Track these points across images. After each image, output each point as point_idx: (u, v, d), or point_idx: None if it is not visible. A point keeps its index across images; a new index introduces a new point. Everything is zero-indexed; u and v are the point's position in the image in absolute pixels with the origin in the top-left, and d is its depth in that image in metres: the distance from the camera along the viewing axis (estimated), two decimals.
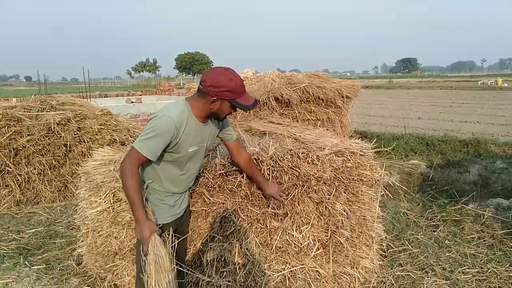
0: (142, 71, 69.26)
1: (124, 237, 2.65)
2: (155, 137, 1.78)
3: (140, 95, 12.06)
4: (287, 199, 2.42)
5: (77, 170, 4.34)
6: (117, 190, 2.67)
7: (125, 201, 2.64)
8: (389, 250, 3.17)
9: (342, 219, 2.69)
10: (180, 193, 2.09)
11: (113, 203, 2.67)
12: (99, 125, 5.18)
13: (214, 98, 1.82)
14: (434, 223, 3.76)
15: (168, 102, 2.01)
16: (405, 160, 6.25)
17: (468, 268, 2.92)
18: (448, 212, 3.88)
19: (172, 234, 2.00)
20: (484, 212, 3.78)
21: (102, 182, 2.77)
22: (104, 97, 11.69)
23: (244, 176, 2.38)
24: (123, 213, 2.64)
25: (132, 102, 8.88)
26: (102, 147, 4.09)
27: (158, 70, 67.71)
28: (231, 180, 2.40)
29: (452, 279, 2.79)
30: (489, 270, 2.88)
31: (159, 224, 1.96)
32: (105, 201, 2.69)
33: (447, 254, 3.16)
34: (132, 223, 2.64)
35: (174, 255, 1.95)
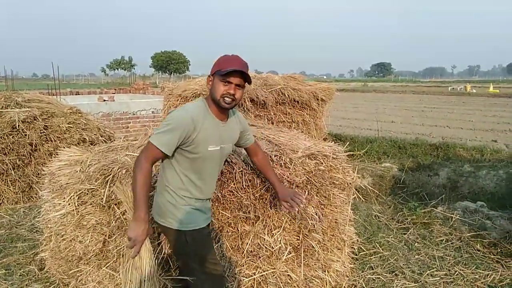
0: (117, 69, 67.83)
1: (89, 242, 2.55)
2: (171, 131, 1.72)
3: (114, 93, 11.77)
4: (302, 201, 2.22)
5: (43, 170, 4.16)
6: (83, 192, 2.57)
7: (90, 204, 2.54)
8: (360, 253, 3.18)
9: (313, 223, 2.68)
10: (203, 200, 1.98)
11: (78, 205, 2.57)
12: (68, 124, 4.99)
13: (209, 75, 1.85)
14: (404, 226, 3.81)
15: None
16: (377, 163, 6.35)
17: (436, 271, 2.97)
18: (418, 215, 3.95)
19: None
20: (452, 215, 3.87)
21: (67, 183, 2.66)
22: (76, 94, 11.35)
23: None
24: (88, 216, 2.54)
25: (105, 100, 8.65)
26: (70, 146, 3.94)
27: (134, 68, 66.55)
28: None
29: (420, 281, 2.83)
30: (456, 273, 2.94)
31: (196, 228, 1.89)
32: (69, 204, 2.58)
33: (416, 256, 3.21)
34: (98, 226, 2.54)
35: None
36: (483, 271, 2.95)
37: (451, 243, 3.45)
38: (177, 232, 1.87)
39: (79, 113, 5.28)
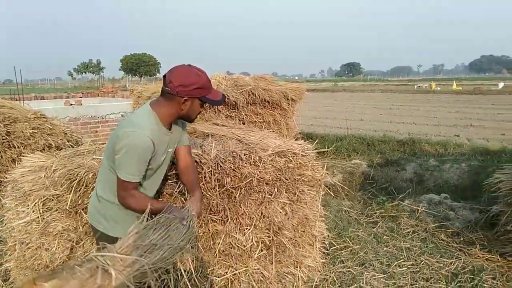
0: (85, 72, 66.05)
1: (56, 249, 2.48)
2: (137, 160, 1.68)
3: (81, 97, 11.45)
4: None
5: (5, 177, 4.00)
6: (48, 198, 2.50)
7: (56, 210, 2.48)
8: (331, 248, 3.25)
9: (284, 219, 2.73)
10: None
11: (43, 212, 2.49)
12: (32, 129, 4.82)
13: (185, 98, 1.72)
14: (373, 220, 3.93)
15: (135, 111, 1.85)
16: (347, 160, 6.49)
17: (403, 261, 3.08)
18: (386, 209, 4.07)
19: None
20: (418, 208, 4.02)
21: (31, 190, 2.57)
22: (41, 99, 10.97)
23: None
24: (53, 223, 2.47)
25: (71, 104, 8.41)
26: (34, 152, 3.82)
27: (102, 72, 64.99)
28: (171, 184, 2.33)
29: (389, 272, 2.92)
30: (422, 262, 3.06)
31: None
32: (33, 211, 2.50)
33: (385, 249, 3.31)
34: (65, 233, 2.49)
35: None
36: (447, 260, 3.08)
37: (417, 235, 3.58)
38: (114, 239, 1.80)
39: (43, 118, 5.11)
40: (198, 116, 1.90)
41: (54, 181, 2.50)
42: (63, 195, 2.46)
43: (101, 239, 1.79)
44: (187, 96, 1.71)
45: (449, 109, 15.11)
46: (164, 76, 1.76)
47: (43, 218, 2.49)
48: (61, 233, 2.47)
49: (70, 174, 2.41)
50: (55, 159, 2.88)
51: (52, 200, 2.50)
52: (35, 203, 2.49)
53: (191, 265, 2.39)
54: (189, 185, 2.07)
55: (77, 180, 2.36)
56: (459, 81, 44.19)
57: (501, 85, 29.85)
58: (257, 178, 2.54)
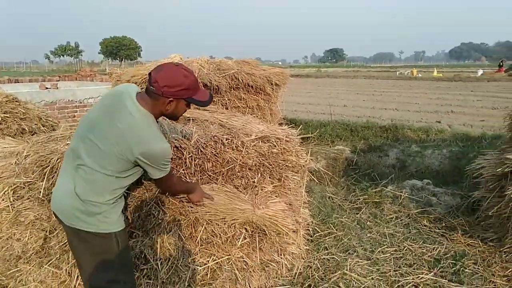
0: (63, 55, 64.03)
1: (28, 239, 2.36)
2: (170, 160, 1.80)
3: (58, 80, 11.05)
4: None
5: None
6: (18, 186, 2.36)
7: (28, 198, 2.36)
8: (315, 235, 3.22)
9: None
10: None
11: (13, 201, 2.37)
12: (3, 113, 4.58)
13: (170, 99, 1.69)
14: (357, 206, 3.92)
15: (134, 119, 1.70)
16: (331, 146, 6.47)
17: (387, 247, 3.08)
18: (369, 195, 4.07)
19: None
20: (401, 193, 4.03)
21: (0, 177, 2.43)
22: (15, 82, 10.54)
23: None
24: (25, 211, 2.35)
25: (47, 88, 8.07)
26: (8, 137, 3.63)
27: (81, 55, 63.16)
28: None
29: (372, 258, 2.91)
30: (405, 248, 3.06)
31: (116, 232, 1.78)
32: (3, 199, 2.37)
33: (368, 235, 3.30)
34: (37, 222, 2.37)
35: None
36: (429, 245, 3.09)
37: (400, 220, 3.59)
38: (105, 235, 1.75)
39: (16, 101, 4.87)
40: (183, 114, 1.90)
41: (25, 168, 2.36)
42: (35, 183, 2.33)
43: (90, 239, 1.73)
44: (172, 97, 1.69)
45: (430, 96, 15.27)
46: (150, 74, 1.71)
47: (14, 207, 2.36)
48: (34, 222, 2.35)
49: (42, 161, 2.29)
50: (26, 144, 2.73)
51: (23, 188, 2.37)
52: (5, 191, 2.36)
53: (172, 253, 2.31)
54: None
55: (49, 167, 2.23)
56: (439, 68, 44.80)
57: (480, 72, 30.38)
58: (239, 164, 2.46)
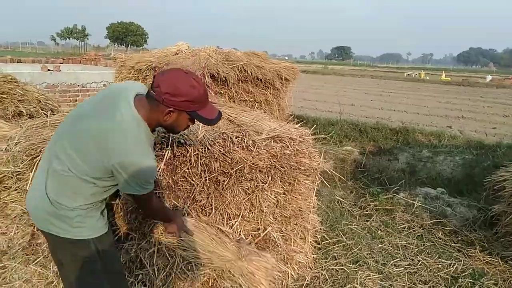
0: (69, 38, 63.65)
1: (14, 234, 2.16)
2: (151, 182, 1.53)
3: (61, 63, 10.82)
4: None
5: None
6: (6, 175, 2.16)
7: (15, 190, 2.15)
8: (323, 242, 3.02)
9: (276, 211, 2.47)
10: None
11: (0, 191, 2.15)
12: (1, 94, 4.37)
13: (170, 109, 1.46)
14: (367, 213, 3.71)
15: (125, 117, 1.44)
16: (339, 146, 6.25)
17: (399, 261, 2.88)
18: (380, 201, 3.86)
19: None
20: (414, 202, 3.82)
21: None
22: (17, 62, 10.32)
23: (166, 163, 2.02)
24: (12, 204, 2.14)
25: (49, 70, 7.85)
26: (5, 120, 3.43)
27: (87, 39, 62.85)
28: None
29: (384, 272, 2.71)
30: (420, 262, 2.86)
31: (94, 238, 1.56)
32: None
33: (379, 245, 3.10)
34: (25, 216, 2.16)
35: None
36: (445, 261, 2.89)
37: (413, 231, 3.38)
38: (82, 242, 1.53)
39: (15, 82, 4.64)
40: (186, 130, 1.69)
41: (14, 156, 2.15)
42: (24, 173, 2.12)
43: (64, 247, 1.54)
44: (173, 107, 1.46)
45: (439, 99, 14.99)
46: (154, 77, 1.49)
47: (0, 198, 2.15)
48: (21, 216, 2.15)
49: (32, 149, 2.08)
50: (20, 129, 2.52)
51: (11, 178, 2.16)
52: None
53: (170, 259, 2.11)
54: None
55: (39, 157, 2.02)
56: (447, 71, 44.35)
57: (488, 78, 30.01)
58: (249, 165, 2.25)
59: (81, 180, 1.45)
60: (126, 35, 62.54)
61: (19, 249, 2.19)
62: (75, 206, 1.48)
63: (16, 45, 66.30)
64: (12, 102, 4.45)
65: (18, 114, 4.45)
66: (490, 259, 2.94)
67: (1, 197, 2.15)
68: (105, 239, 1.60)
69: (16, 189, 2.14)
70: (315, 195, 3.04)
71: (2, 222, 2.19)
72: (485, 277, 2.69)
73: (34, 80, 6.71)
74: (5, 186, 2.16)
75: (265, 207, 2.40)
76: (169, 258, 2.10)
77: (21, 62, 10.37)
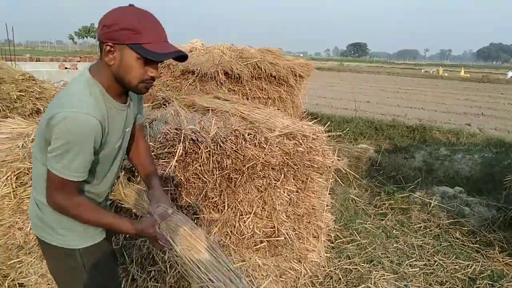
0: (86, 36, 64.65)
1: (30, 229, 2.19)
2: (80, 151, 1.15)
3: (79, 61, 11.00)
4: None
5: None
6: (22, 171, 2.19)
7: (30, 186, 2.17)
8: (337, 241, 2.98)
9: (289, 209, 2.44)
10: (103, 200, 1.44)
11: (16, 187, 2.19)
12: (19, 92, 4.45)
13: (109, 44, 1.14)
14: (382, 211, 3.65)
15: (70, 83, 1.26)
16: (354, 143, 6.18)
17: (415, 261, 2.82)
18: (395, 200, 3.79)
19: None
20: (430, 201, 3.73)
21: (3, 161, 2.26)
22: (36, 61, 10.54)
23: (177, 160, 2.01)
24: (28, 200, 2.17)
25: (66, 68, 8.00)
26: (22, 117, 3.50)
27: None
28: (162, 164, 2.02)
29: (399, 272, 2.66)
30: (436, 263, 2.79)
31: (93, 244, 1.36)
32: (5, 185, 2.19)
33: (394, 245, 3.04)
34: None
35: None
36: (463, 261, 2.82)
37: (430, 231, 3.31)
38: (67, 251, 1.33)
39: (32, 80, 4.73)
40: (149, 82, 1.23)
41: (30, 152, 2.18)
42: None
43: (51, 254, 1.37)
44: (110, 41, 1.14)
45: (458, 96, 14.68)
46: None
47: (16, 194, 2.19)
48: None
49: None
50: (36, 126, 2.57)
51: (27, 174, 2.19)
52: (8, 176, 2.19)
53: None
54: (142, 167, 1.54)
55: None
56: (466, 68, 43.34)
57: (509, 74, 29.18)
58: (261, 162, 2.23)
59: (35, 159, 1.28)
60: None
61: (34, 245, 2.23)
62: (44, 202, 1.25)
63: (35, 44, 67.74)
64: (30, 99, 4.54)
65: (36, 112, 4.53)
66: (509, 260, 2.85)
67: (18, 193, 2.19)
68: (97, 251, 1.37)
69: (31, 185, 2.17)
70: (329, 193, 3.00)
71: (19, 218, 2.23)
72: (504, 279, 2.61)
73: (52, 78, 6.83)
74: (21, 182, 2.20)
75: (278, 204, 2.38)
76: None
77: (39, 61, 10.60)
